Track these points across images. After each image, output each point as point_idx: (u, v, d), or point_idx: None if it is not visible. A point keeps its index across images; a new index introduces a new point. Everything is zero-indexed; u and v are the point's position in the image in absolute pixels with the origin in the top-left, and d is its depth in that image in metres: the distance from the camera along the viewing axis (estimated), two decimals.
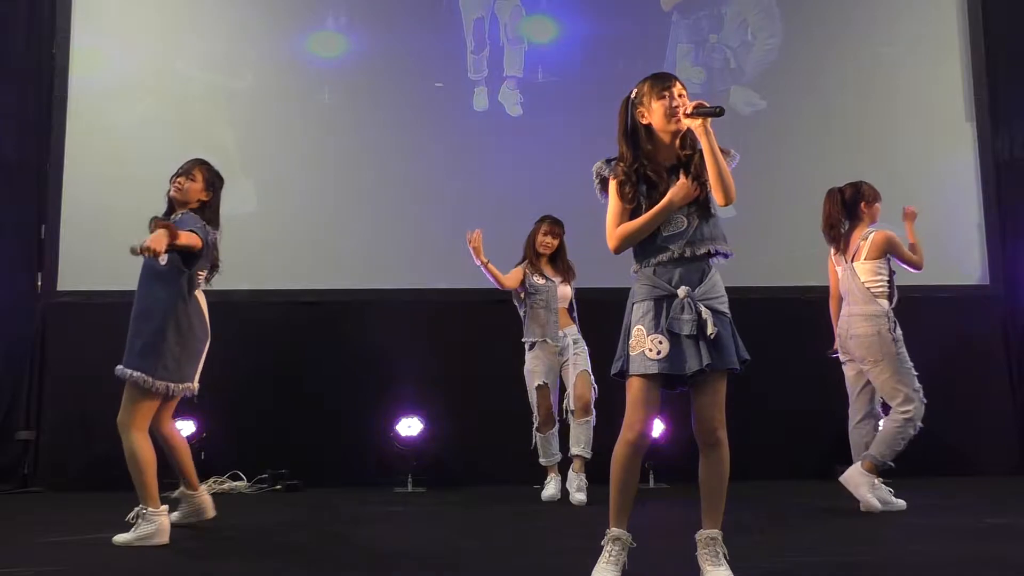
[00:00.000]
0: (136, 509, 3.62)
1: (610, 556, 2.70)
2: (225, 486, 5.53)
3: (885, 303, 4.38)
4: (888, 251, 4.43)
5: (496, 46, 6.36)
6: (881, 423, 4.52)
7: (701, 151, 2.70)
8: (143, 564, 3.26)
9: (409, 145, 6.23)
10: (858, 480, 4.28)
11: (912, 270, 4.50)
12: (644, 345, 2.67)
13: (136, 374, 3.60)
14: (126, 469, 5.57)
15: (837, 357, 4.60)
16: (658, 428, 5.51)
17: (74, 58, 6.18)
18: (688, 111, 2.66)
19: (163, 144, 6.11)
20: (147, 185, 6.05)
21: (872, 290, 4.39)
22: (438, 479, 5.65)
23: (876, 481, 4.30)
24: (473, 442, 5.75)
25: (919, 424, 4.29)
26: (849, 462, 4.49)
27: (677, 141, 2.76)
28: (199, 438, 5.58)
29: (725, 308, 2.73)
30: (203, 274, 3.87)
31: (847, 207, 4.53)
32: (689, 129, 2.70)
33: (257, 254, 5.93)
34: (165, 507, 3.66)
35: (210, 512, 3.97)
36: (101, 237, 5.99)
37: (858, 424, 4.50)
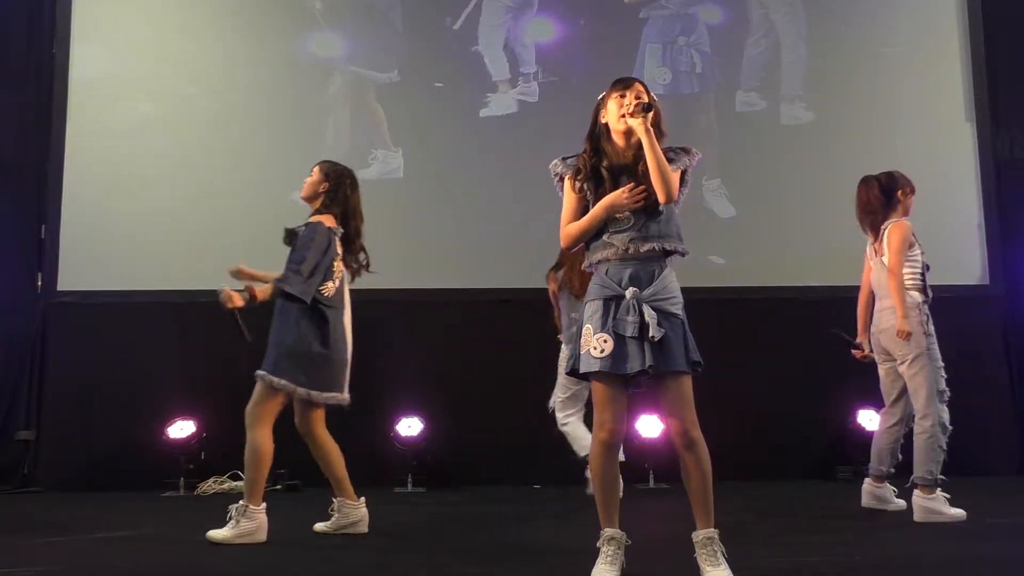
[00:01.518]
0: (236, 505, 3.64)
1: (607, 556, 2.70)
2: (225, 486, 5.53)
3: (917, 295, 4.20)
4: (895, 238, 4.17)
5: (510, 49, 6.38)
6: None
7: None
8: (142, 564, 3.26)
9: (409, 145, 6.23)
10: (929, 507, 4.03)
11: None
12: (590, 344, 2.70)
13: (270, 377, 3.66)
14: (125, 469, 5.59)
15: (855, 353, 4.43)
16: (658, 427, 5.52)
17: (74, 58, 6.18)
18: (629, 111, 2.72)
19: (163, 144, 6.13)
20: (147, 185, 6.12)
21: (904, 282, 4.17)
22: (438, 479, 5.65)
23: (938, 492, 4.06)
24: (473, 442, 5.75)
25: (949, 427, 4.11)
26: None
27: (632, 140, 2.79)
28: (199, 438, 5.58)
29: (676, 310, 2.73)
30: (326, 288, 3.81)
31: (885, 194, 4.31)
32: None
33: (257, 254, 5.90)
34: (264, 504, 3.69)
35: (364, 527, 3.87)
36: (101, 237, 6.00)
37: (891, 428, 4.32)
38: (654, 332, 2.64)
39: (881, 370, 4.38)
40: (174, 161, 6.12)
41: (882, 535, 3.70)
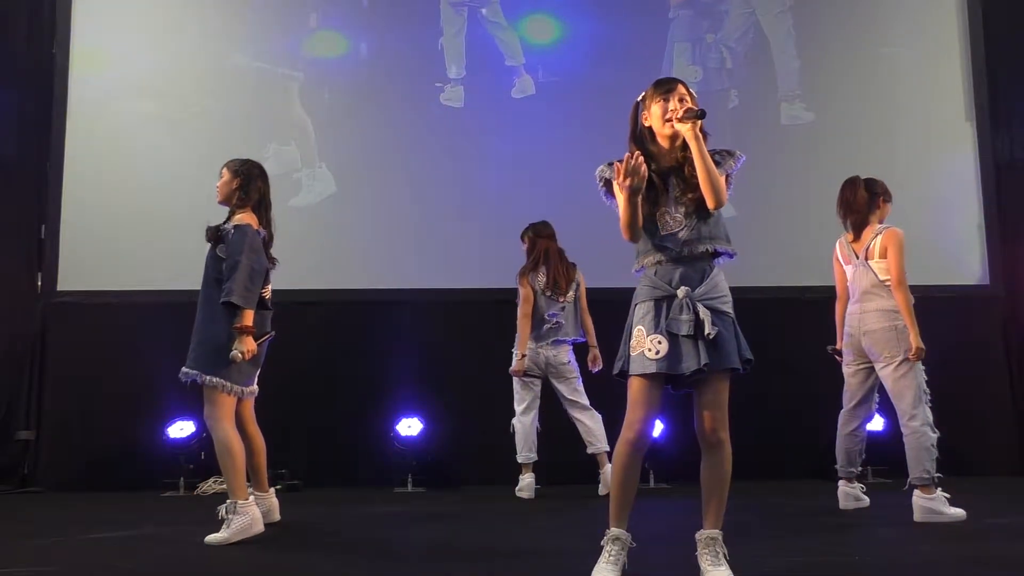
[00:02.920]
0: (225, 505, 3.67)
1: (610, 556, 2.70)
2: (225, 486, 5.52)
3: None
4: (894, 248, 4.16)
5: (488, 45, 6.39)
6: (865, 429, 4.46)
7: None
8: (142, 564, 3.26)
9: (408, 145, 6.23)
10: (929, 507, 4.02)
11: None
12: (644, 345, 2.69)
13: (215, 380, 3.69)
14: (125, 469, 5.58)
15: (834, 354, 4.48)
16: (658, 428, 5.51)
17: (74, 58, 6.18)
18: (678, 116, 2.70)
19: (163, 144, 6.13)
20: (147, 185, 6.12)
21: (889, 285, 4.18)
22: (438, 479, 5.65)
23: (938, 492, 4.06)
24: (473, 442, 5.75)
25: (936, 429, 4.10)
26: None
27: (677, 143, 2.78)
28: (199, 438, 5.58)
29: (727, 308, 2.74)
30: (267, 292, 3.98)
31: (870, 196, 4.31)
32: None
33: None
34: (252, 497, 3.78)
35: (275, 515, 4.07)
36: (101, 237, 6.00)
37: (853, 432, 4.38)
38: (710, 329, 2.64)
39: (849, 371, 4.39)
40: (174, 161, 6.12)
41: (882, 535, 3.70)
